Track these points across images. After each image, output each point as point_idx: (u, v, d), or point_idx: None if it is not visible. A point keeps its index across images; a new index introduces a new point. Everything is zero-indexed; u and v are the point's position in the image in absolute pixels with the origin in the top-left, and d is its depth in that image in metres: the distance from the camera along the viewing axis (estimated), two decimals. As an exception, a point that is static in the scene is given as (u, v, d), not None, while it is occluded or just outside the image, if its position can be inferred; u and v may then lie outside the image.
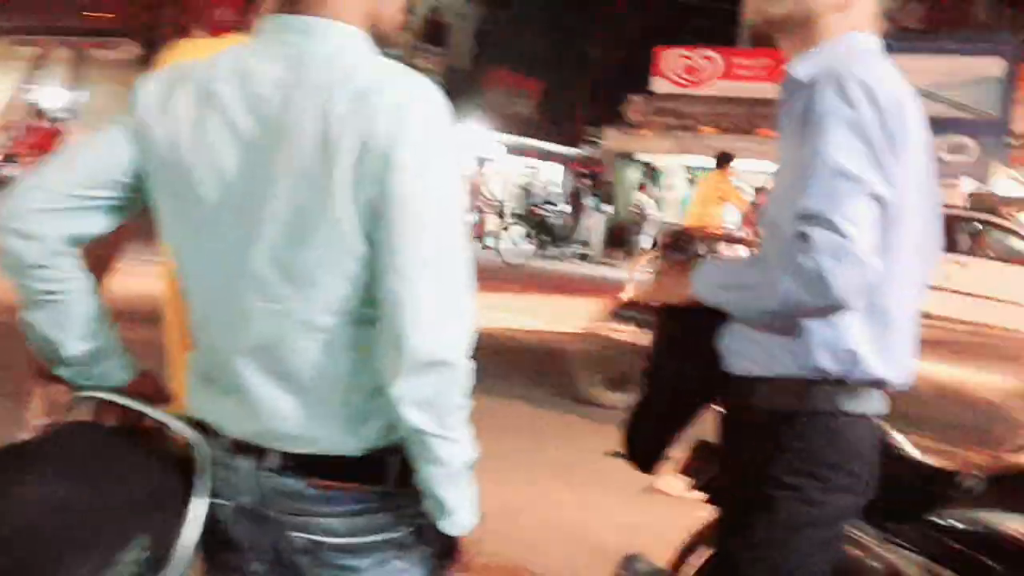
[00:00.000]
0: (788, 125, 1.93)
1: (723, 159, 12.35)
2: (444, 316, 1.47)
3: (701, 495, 2.46)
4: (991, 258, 12.49)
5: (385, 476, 1.58)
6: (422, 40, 24.03)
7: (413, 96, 1.50)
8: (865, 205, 1.75)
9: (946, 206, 7.88)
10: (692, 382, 2.17)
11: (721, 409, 2.14)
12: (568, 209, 24.37)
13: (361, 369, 1.54)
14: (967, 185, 16.35)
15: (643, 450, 2.30)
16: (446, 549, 1.64)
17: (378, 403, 1.53)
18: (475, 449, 1.56)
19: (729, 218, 13.40)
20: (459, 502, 1.56)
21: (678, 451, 2.62)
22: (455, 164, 1.53)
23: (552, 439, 6.09)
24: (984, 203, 13.67)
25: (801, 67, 1.95)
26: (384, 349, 1.49)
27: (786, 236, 1.78)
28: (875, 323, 1.92)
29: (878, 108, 1.80)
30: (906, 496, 2.25)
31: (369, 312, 1.51)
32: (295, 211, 1.48)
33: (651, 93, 23.23)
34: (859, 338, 1.91)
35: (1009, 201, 14.45)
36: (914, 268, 1.99)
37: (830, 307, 1.77)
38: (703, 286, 1.99)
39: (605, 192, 24.61)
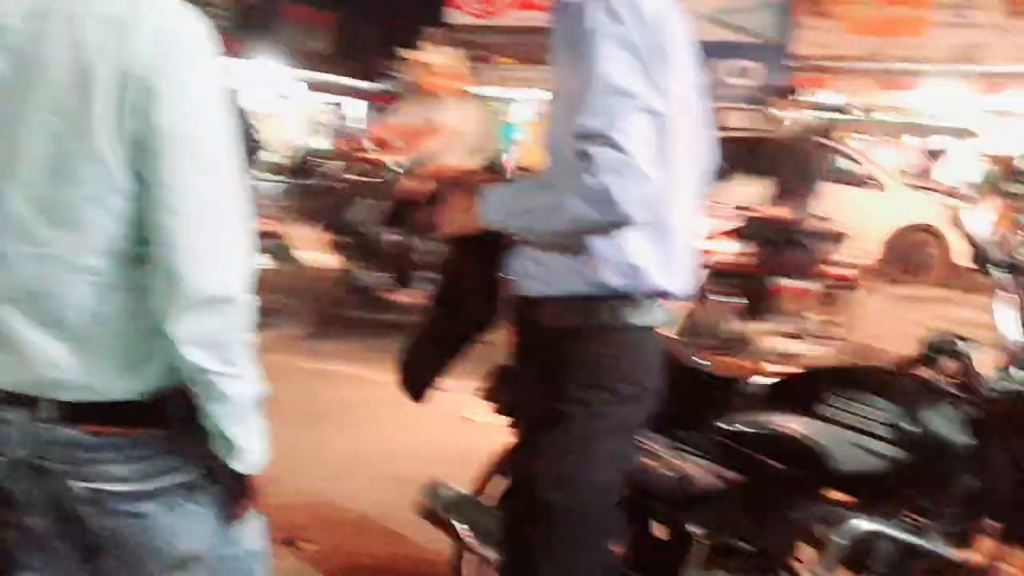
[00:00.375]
0: (560, 47, 1.94)
1: None
2: (220, 252, 1.44)
3: (505, 419, 2.50)
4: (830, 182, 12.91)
5: (169, 418, 1.54)
6: (209, -26, 23.06)
7: (175, 24, 1.45)
8: (641, 119, 1.79)
9: (765, 129, 8.05)
10: (475, 308, 2.19)
11: (512, 332, 2.17)
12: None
13: (136, 310, 1.48)
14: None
15: (417, 378, 2.31)
16: (240, 489, 1.62)
17: (158, 344, 1.48)
18: (261, 385, 1.54)
19: None
20: (248, 440, 1.54)
21: (482, 378, 2.66)
22: (221, 93, 1.48)
23: (331, 377, 5.81)
24: (817, 128, 14.12)
25: None
26: (160, 288, 1.45)
27: (568, 157, 1.80)
28: (655, 237, 1.98)
29: (644, 23, 1.84)
30: (692, 404, 2.34)
31: (141, 251, 1.46)
32: (54, 149, 1.41)
33: (447, 25, 23.06)
34: (640, 252, 1.96)
35: (837, 124, 14.99)
36: (689, 181, 2.06)
37: (616, 223, 1.82)
38: (490, 212, 2.00)
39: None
